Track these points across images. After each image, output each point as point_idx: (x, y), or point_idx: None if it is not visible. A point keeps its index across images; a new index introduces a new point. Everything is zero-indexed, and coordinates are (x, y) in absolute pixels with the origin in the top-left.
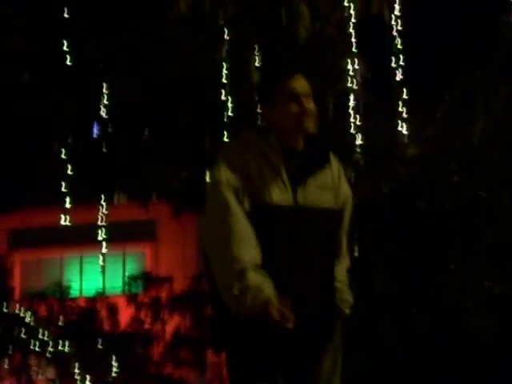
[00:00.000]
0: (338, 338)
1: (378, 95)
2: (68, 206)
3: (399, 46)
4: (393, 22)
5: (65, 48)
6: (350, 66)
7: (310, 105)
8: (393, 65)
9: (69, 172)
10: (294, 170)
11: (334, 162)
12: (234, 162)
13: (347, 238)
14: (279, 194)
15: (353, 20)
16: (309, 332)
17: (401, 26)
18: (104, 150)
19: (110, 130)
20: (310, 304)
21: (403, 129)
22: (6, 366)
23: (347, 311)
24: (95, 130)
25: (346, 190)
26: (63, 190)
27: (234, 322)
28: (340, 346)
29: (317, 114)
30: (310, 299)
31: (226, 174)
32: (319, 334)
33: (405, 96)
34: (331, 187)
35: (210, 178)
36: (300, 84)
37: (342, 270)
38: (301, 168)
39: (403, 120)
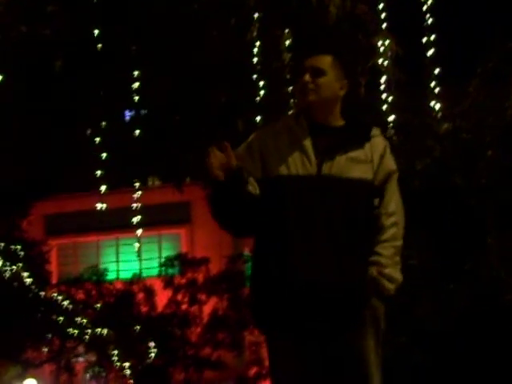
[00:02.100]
0: (374, 316)
1: (409, 72)
2: (103, 191)
3: (430, 22)
4: None
5: (96, 34)
6: (380, 43)
7: (315, 79)
8: (424, 41)
9: (103, 157)
10: (323, 145)
11: (379, 142)
12: (253, 141)
13: (397, 214)
14: (300, 166)
15: None
16: (329, 301)
17: (432, 1)
18: (137, 134)
19: (142, 113)
20: (328, 272)
21: (436, 105)
22: (45, 350)
23: (390, 287)
24: (127, 114)
25: (389, 165)
26: (98, 175)
27: (265, 299)
28: (378, 325)
29: (322, 87)
30: (328, 267)
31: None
32: (342, 304)
33: (437, 72)
34: (368, 161)
35: None
36: (309, 59)
37: (386, 244)
38: (332, 143)
39: (436, 96)
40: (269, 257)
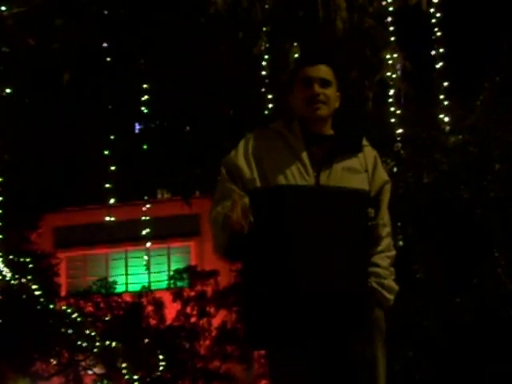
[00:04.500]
0: (378, 326)
1: (417, 85)
2: (111, 203)
3: (438, 34)
4: (431, 11)
5: (104, 46)
6: (388, 56)
7: (324, 90)
8: (432, 54)
9: (112, 170)
10: (318, 154)
11: (369, 151)
12: (248, 148)
13: (388, 225)
14: (298, 177)
15: (390, 9)
16: (333, 311)
17: (439, 14)
18: (145, 147)
19: (151, 126)
20: (333, 282)
21: (444, 118)
22: (54, 363)
23: (390, 297)
24: (137, 127)
25: (382, 176)
26: (107, 187)
27: (264, 307)
28: (382, 335)
29: (331, 99)
30: (329, 279)
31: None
32: (345, 314)
33: (445, 85)
34: (363, 171)
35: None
36: (315, 70)
37: (382, 255)
38: (327, 152)
39: (444, 109)
40: (270, 269)
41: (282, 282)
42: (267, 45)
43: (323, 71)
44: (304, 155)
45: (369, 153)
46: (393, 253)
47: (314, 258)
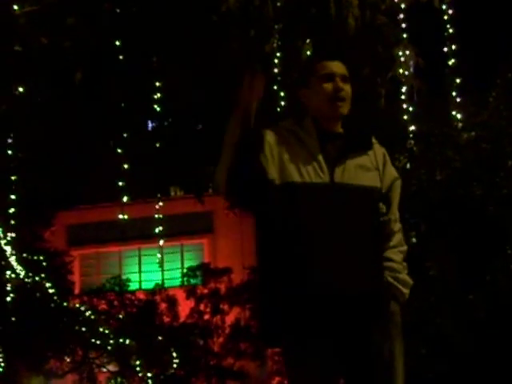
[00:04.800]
0: (394, 321)
1: (430, 81)
2: (125, 201)
3: (450, 31)
4: (443, 7)
5: (116, 44)
6: (400, 53)
7: (345, 86)
8: (444, 50)
9: (124, 168)
10: (331, 152)
11: (378, 149)
12: (268, 140)
13: (399, 220)
14: (313, 174)
15: (402, 6)
16: (349, 307)
17: (451, 11)
18: (158, 145)
19: (164, 124)
20: (345, 279)
21: (457, 115)
22: (67, 361)
23: (405, 291)
24: (149, 125)
25: (392, 172)
26: (120, 185)
27: (280, 305)
28: (399, 331)
29: (351, 97)
30: (346, 275)
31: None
32: (361, 310)
33: (457, 81)
34: (374, 168)
35: None
36: (337, 65)
37: (395, 249)
38: (339, 149)
39: (456, 106)
40: (285, 265)
41: (297, 278)
42: (279, 42)
43: (343, 67)
44: (318, 153)
45: (378, 150)
46: (405, 247)
47: (330, 255)
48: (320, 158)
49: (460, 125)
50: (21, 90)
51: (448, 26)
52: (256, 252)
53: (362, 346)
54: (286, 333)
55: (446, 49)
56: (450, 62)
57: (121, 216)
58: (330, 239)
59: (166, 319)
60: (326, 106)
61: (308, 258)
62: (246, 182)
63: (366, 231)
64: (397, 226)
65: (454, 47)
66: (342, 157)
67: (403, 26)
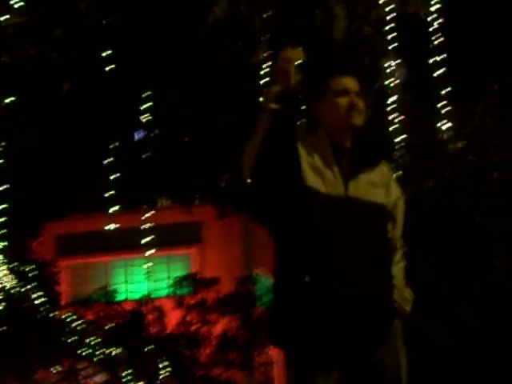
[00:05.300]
0: (399, 337)
1: (417, 92)
2: (112, 211)
3: (436, 43)
4: (429, 19)
5: (104, 55)
6: (387, 65)
7: (359, 102)
8: (431, 62)
9: (113, 178)
10: (344, 165)
11: (384, 165)
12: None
13: (402, 238)
14: (330, 185)
15: (389, 18)
16: (363, 321)
17: (438, 22)
18: (146, 155)
19: (152, 134)
20: (364, 292)
21: (443, 125)
22: (55, 372)
23: (407, 308)
24: (136, 136)
25: (396, 190)
26: (107, 195)
27: (292, 312)
28: (401, 341)
29: (362, 109)
30: (364, 288)
31: None
32: (374, 324)
33: (443, 93)
34: (382, 185)
35: None
36: (351, 82)
37: (398, 267)
38: (351, 164)
39: (443, 117)
40: (303, 272)
41: (318, 287)
42: (266, 54)
43: (356, 83)
44: (334, 164)
45: (384, 167)
46: (405, 263)
47: (349, 267)
48: (335, 169)
49: (446, 136)
50: (8, 100)
51: (434, 37)
52: (273, 251)
53: (369, 358)
54: (299, 337)
55: (432, 60)
56: (436, 74)
57: (108, 226)
58: (347, 252)
59: (154, 330)
60: (343, 116)
61: (325, 267)
62: (278, 168)
63: (379, 246)
64: (400, 243)
65: (440, 58)
66: (355, 171)
67: (390, 37)
